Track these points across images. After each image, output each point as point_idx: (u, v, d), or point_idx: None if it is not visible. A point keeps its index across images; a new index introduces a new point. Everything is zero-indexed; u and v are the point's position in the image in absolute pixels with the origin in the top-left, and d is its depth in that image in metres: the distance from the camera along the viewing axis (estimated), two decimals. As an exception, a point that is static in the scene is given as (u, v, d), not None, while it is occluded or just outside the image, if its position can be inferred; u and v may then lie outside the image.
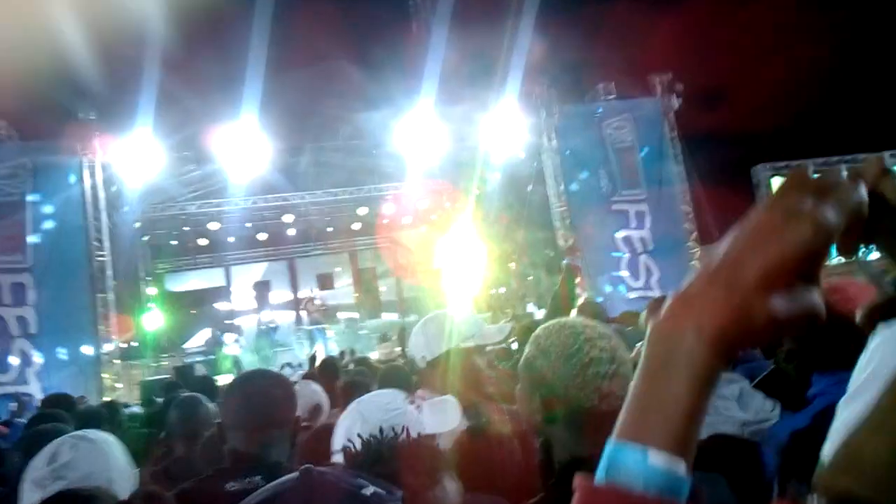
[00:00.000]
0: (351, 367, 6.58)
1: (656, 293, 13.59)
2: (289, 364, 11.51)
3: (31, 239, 11.48)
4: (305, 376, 5.57)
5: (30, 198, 11.56)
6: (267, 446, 1.61)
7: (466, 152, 15.35)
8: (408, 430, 1.38)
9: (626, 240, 13.88)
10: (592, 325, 1.34)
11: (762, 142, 17.86)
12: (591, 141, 14.21)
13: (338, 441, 1.48)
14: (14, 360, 11.03)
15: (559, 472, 1.27)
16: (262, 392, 1.66)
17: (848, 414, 0.58)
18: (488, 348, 2.21)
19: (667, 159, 14.50)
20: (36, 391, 10.90)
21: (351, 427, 1.43)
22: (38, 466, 1.50)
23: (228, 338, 15.06)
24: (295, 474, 0.89)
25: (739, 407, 1.76)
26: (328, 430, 2.38)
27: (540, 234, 15.57)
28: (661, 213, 14.11)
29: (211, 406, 2.82)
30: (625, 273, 13.72)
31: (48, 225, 11.60)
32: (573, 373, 1.27)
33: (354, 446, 1.36)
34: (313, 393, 3.19)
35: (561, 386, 1.28)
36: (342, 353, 6.67)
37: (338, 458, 1.50)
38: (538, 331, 1.38)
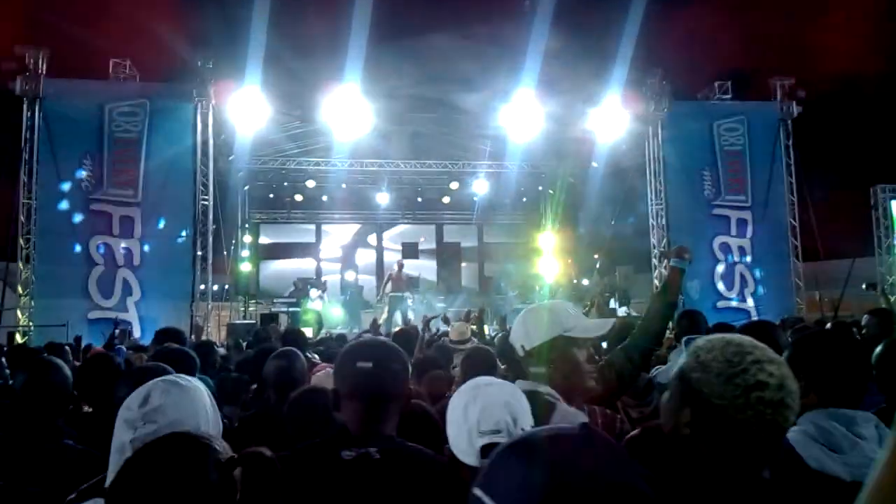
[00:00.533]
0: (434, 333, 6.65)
1: (749, 305, 13.05)
2: (372, 326, 11.73)
3: (143, 176, 12.13)
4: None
5: (145, 138, 12.18)
6: (382, 420, 1.63)
7: (568, 138, 15.09)
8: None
9: (724, 247, 13.34)
10: (762, 346, 1.27)
11: (884, 161, 16.66)
12: (700, 140, 13.66)
13: (454, 426, 1.53)
14: (117, 289, 11.76)
15: (704, 488, 1.25)
16: (383, 365, 1.67)
17: None
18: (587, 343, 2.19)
19: (778, 168, 13.79)
20: (133, 319, 11.62)
21: (471, 414, 1.48)
22: (130, 407, 1.54)
23: (313, 293, 15.51)
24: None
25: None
26: (414, 408, 2.41)
27: (632, 230, 15.19)
28: (764, 224, 13.47)
29: (304, 362, 2.90)
30: (718, 281, 13.20)
31: (160, 164, 12.21)
32: (735, 393, 1.21)
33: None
34: None
35: (718, 405, 1.23)
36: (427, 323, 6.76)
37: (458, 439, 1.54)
38: (699, 342, 1.32)
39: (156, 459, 1.27)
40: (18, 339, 11.52)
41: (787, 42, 14.93)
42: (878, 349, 3.71)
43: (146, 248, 12.02)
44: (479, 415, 1.53)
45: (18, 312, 11.81)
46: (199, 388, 1.60)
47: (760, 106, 14.15)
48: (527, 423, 1.58)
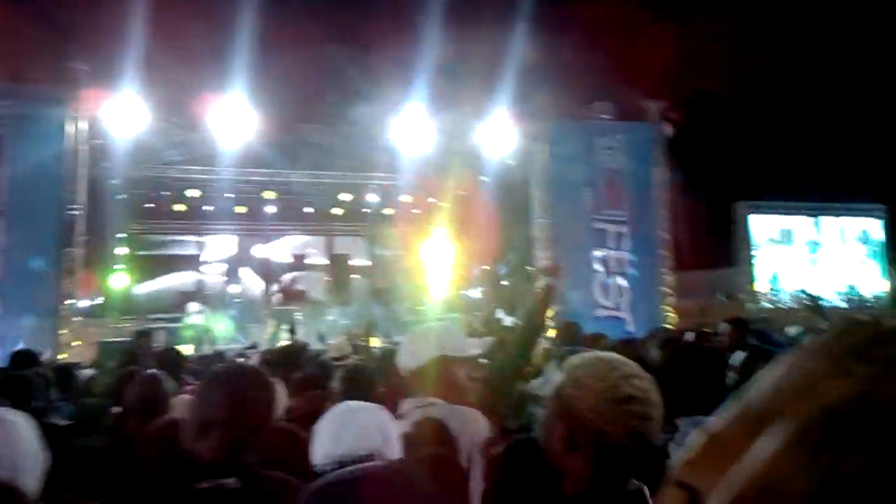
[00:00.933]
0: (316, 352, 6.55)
1: (624, 315, 13.73)
2: (254, 345, 11.42)
3: (6, 183, 11.24)
4: (265, 360, 5.53)
5: (8, 142, 11.31)
6: (241, 448, 1.59)
7: (459, 152, 15.36)
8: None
9: (603, 259, 14.00)
10: (629, 362, 1.35)
11: (746, 178, 18.09)
12: (581, 157, 14.29)
13: (319, 450, 1.56)
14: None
15: (575, 500, 1.30)
16: (247, 393, 1.63)
17: None
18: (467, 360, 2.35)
19: (653, 185, 14.64)
20: (-10, 337, 10.69)
21: (334, 441, 1.51)
22: None
23: (192, 307, 14.89)
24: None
25: None
26: (286, 432, 2.38)
27: (519, 243, 15.64)
28: (639, 237, 14.25)
29: (170, 385, 2.78)
30: (597, 291, 13.83)
31: (25, 171, 11.35)
32: (605, 407, 1.27)
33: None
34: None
35: (590, 418, 1.28)
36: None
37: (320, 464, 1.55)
38: (572, 360, 1.39)
39: None
40: None
41: (658, 66, 15.95)
42: (741, 356, 4.03)
43: (8, 260, 11.11)
44: (352, 441, 1.55)
45: None
46: (19, 423, 1.53)
47: (637, 126, 14.99)
48: (395, 447, 1.63)
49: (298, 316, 14.77)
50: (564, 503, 1.31)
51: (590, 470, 1.30)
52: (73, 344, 11.60)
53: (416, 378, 2.19)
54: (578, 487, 1.31)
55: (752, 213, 17.16)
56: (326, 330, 13.51)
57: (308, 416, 3.45)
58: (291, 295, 14.08)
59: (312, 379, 4.06)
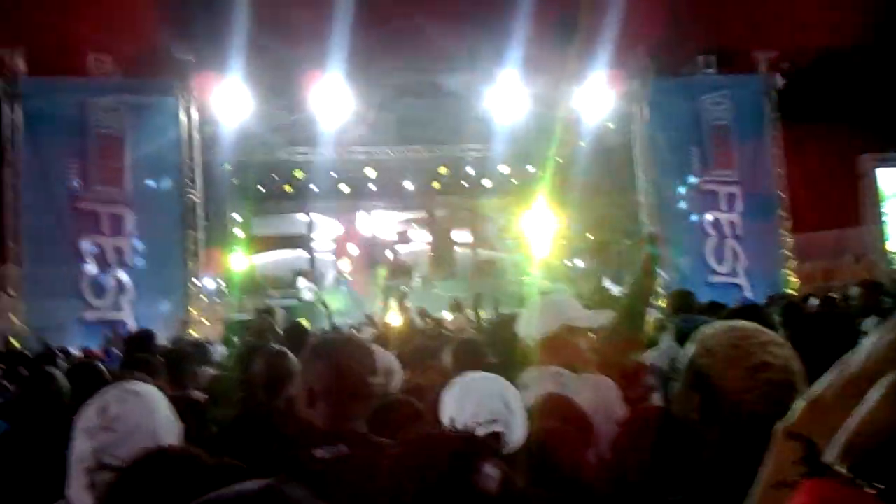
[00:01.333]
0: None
1: (741, 280, 13.12)
2: (365, 321, 11.76)
3: (129, 173, 12.05)
4: (378, 337, 5.69)
5: (129, 133, 12.08)
6: (352, 417, 1.64)
7: (555, 118, 15.07)
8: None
9: (715, 222, 13.39)
10: (765, 330, 1.31)
11: (872, 130, 16.70)
12: (686, 116, 13.66)
13: (445, 419, 1.61)
14: (110, 289, 11.71)
15: (710, 472, 1.27)
16: (350, 364, 1.67)
17: None
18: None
19: (765, 141, 13.81)
20: (129, 318, 11.59)
21: (457, 409, 1.53)
22: (89, 416, 1.57)
23: (302, 282, 15.49)
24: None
25: None
26: (400, 402, 2.44)
27: (622, 210, 15.22)
28: (753, 198, 13.51)
29: (295, 360, 2.91)
30: (710, 257, 13.26)
31: (146, 160, 12.13)
32: (739, 375, 1.23)
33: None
34: (385, 360, 3.22)
35: (725, 389, 1.25)
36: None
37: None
38: (705, 330, 1.36)
39: (146, 475, 1.28)
40: (14, 342, 11.50)
41: (770, 14, 14.86)
42: (874, 321, 3.75)
43: (137, 245, 11.96)
44: (474, 407, 1.56)
45: (11, 315, 11.76)
46: (154, 395, 1.63)
47: (745, 79, 14.14)
48: (519, 411, 1.65)
49: (405, 290, 15.08)
50: (705, 472, 1.27)
51: (729, 440, 1.26)
52: (203, 321, 12.40)
53: (540, 348, 2.21)
54: (719, 456, 1.27)
55: (881, 166, 15.87)
56: (433, 303, 13.74)
57: (421, 389, 3.53)
58: (397, 270, 14.35)
59: (426, 352, 4.12)
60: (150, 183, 12.14)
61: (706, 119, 13.67)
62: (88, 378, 2.87)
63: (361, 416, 1.67)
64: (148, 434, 1.56)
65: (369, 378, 1.70)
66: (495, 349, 4.27)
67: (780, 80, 13.85)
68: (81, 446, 1.53)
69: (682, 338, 2.97)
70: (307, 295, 15.02)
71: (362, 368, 1.68)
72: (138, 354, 3.25)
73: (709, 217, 13.39)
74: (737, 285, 13.06)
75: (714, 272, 13.22)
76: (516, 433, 1.64)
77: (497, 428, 1.57)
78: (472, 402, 1.65)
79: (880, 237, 15.48)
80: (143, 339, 4.18)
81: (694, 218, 13.37)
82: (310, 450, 1.56)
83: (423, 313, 7.83)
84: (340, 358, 1.68)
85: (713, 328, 1.34)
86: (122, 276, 11.81)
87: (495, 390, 1.69)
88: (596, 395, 2.02)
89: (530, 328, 2.30)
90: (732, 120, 13.73)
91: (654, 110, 13.52)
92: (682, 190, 13.47)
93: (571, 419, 1.83)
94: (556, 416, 1.79)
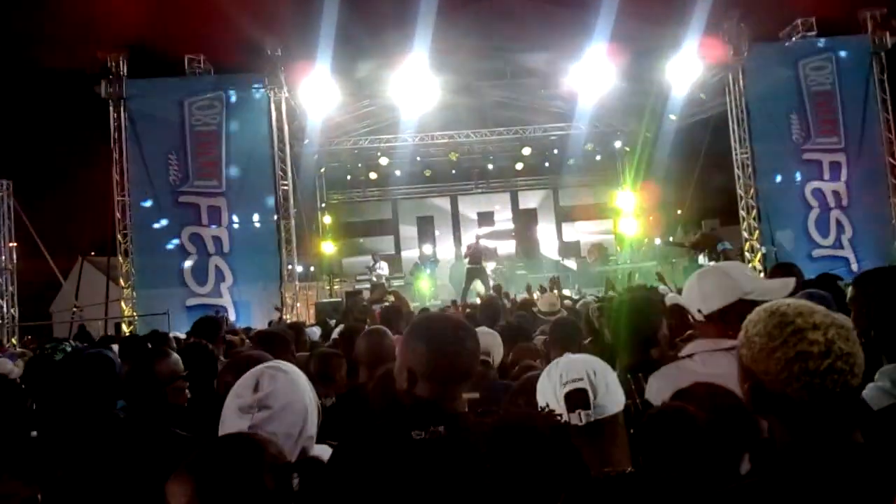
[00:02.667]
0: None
1: (847, 253, 12.37)
2: (454, 302, 11.85)
3: (225, 166, 12.58)
4: (467, 314, 5.71)
5: (224, 128, 12.59)
6: (453, 398, 1.61)
7: (642, 92, 14.61)
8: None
9: (817, 192, 12.63)
10: (808, 311, 1.21)
11: None
12: (784, 82, 12.91)
13: (542, 388, 1.63)
14: (210, 276, 12.31)
15: (775, 460, 1.22)
16: (454, 344, 1.64)
17: None
18: None
19: (872, 105, 12.89)
20: (228, 304, 12.15)
21: (554, 373, 1.58)
22: (242, 395, 1.61)
23: (383, 267, 15.73)
24: None
25: None
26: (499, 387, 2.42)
27: (716, 182, 14.61)
28: (860, 166, 12.67)
29: (391, 339, 2.95)
30: (812, 229, 12.55)
31: (240, 153, 12.62)
32: (778, 367, 1.18)
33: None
34: (487, 338, 3.20)
35: (766, 380, 1.20)
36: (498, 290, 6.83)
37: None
38: (750, 316, 1.28)
39: (212, 462, 1.31)
40: (125, 329, 12.30)
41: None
42: None
43: (234, 234, 12.50)
44: (561, 370, 1.60)
45: (122, 304, 12.58)
46: (299, 372, 1.67)
47: (849, 40, 13.21)
48: (611, 378, 1.62)
49: (490, 272, 15.07)
50: (771, 457, 1.22)
51: (783, 428, 1.20)
52: (296, 305, 12.85)
53: (711, 323, 2.05)
54: (785, 441, 1.21)
55: None
56: (517, 285, 13.68)
57: (520, 368, 3.51)
58: (483, 252, 14.34)
59: (519, 330, 4.11)
60: (245, 175, 12.61)
61: (807, 85, 12.88)
62: (201, 357, 3.02)
63: (461, 395, 1.65)
64: (299, 411, 1.61)
65: (468, 358, 1.67)
66: (588, 330, 4.20)
67: (889, 40, 12.85)
68: (237, 424, 1.56)
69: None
70: (381, 273, 15.24)
71: (462, 349, 1.65)
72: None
73: (811, 187, 12.65)
74: (842, 258, 12.31)
75: (817, 245, 12.50)
76: (604, 400, 1.57)
77: (581, 385, 1.55)
78: (559, 367, 1.65)
79: None
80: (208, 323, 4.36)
81: (795, 189, 12.66)
82: (408, 430, 1.56)
83: (498, 290, 7.79)
84: (440, 339, 1.65)
85: (756, 314, 1.26)
86: (221, 263, 12.36)
87: (581, 359, 1.66)
88: None
89: (699, 299, 2.08)
90: (836, 84, 12.88)
91: (750, 78, 12.85)
92: (781, 160, 12.77)
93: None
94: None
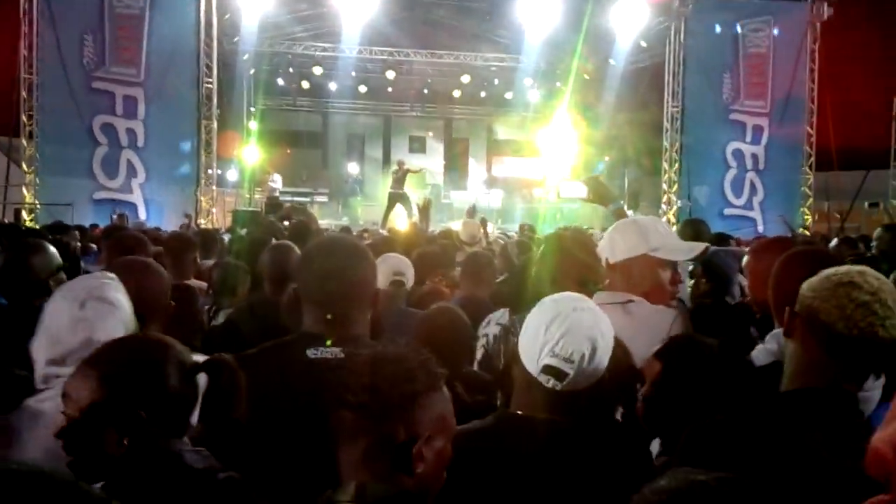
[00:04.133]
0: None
1: (755, 215, 12.97)
2: (373, 223, 11.77)
3: (146, 55, 11.80)
4: (385, 241, 5.64)
5: (148, 14, 11.75)
6: (345, 324, 1.58)
7: (586, 34, 14.50)
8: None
9: (737, 153, 13.07)
10: (874, 276, 1.26)
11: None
12: (723, 40, 13.10)
13: (531, 336, 1.44)
14: (121, 170, 11.71)
15: (787, 393, 1.29)
16: (342, 269, 1.60)
17: None
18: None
19: (801, 74, 13.28)
20: (138, 201, 11.65)
21: (552, 333, 1.40)
22: (71, 310, 1.54)
23: (277, 180, 15.38)
24: None
25: None
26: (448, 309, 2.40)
27: (645, 132, 14.87)
28: (781, 132, 13.14)
29: (298, 254, 2.88)
30: (727, 188, 13.05)
31: (163, 43, 11.85)
32: (839, 305, 1.22)
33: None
34: (398, 262, 3.17)
35: (815, 307, 1.25)
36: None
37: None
38: (812, 279, 1.32)
39: (116, 356, 1.28)
40: (25, 216, 11.62)
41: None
42: None
43: (150, 129, 11.86)
44: (559, 336, 1.40)
45: (24, 190, 11.83)
46: (123, 303, 1.59)
47: (790, 7, 13.44)
48: (605, 358, 1.43)
49: (413, 196, 14.96)
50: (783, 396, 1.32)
51: (820, 352, 1.28)
52: (212, 210, 12.45)
53: (615, 273, 2.07)
54: (795, 384, 1.30)
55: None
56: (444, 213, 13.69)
57: (433, 296, 3.52)
58: (404, 179, 14.16)
59: (435, 258, 4.06)
60: (167, 67, 11.88)
61: (744, 45, 13.11)
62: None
63: (356, 319, 1.61)
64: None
65: (360, 283, 1.62)
66: (507, 268, 4.23)
67: (827, 10, 13.14)
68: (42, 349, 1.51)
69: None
70: (275, 186, 14.97)
71: (353, 275, 1.61)
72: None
73: (732, 147, 13.07)
74: (750, 219, 12.91)
75: (730, 204, 13.04)
76: (581, 377, 1.47)
77: (567, 368, 1.41)
78: (560, 330, 1.42)
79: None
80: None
81: (717, 148, 13.05)
82: (303, 348, 1.52)
83: (424, 209, 7.64)
84: (329, 264, 1.61)
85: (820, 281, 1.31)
86: (134, 158, 11.77)
87: (588, 330, 1.43)
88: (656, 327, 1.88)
89: (610, 249, 2.09)
90: (770, 49, 13.16)
91: (691, 31, 12.97)
92: (709, 118, 13.08)
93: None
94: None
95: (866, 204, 13.24)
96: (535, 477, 1.35)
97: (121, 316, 1.59)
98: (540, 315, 1.46)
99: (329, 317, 1.58)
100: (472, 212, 6.84)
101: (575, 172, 17.80)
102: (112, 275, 1.69)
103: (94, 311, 1.54)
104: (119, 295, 1.62)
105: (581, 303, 1.48)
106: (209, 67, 12.28)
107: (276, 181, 15.26)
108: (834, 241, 5.22)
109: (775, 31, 13.14)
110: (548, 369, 1.38)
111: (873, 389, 1.52)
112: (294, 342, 1.58)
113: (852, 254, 3.70)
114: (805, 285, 1.30)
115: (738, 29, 13.07)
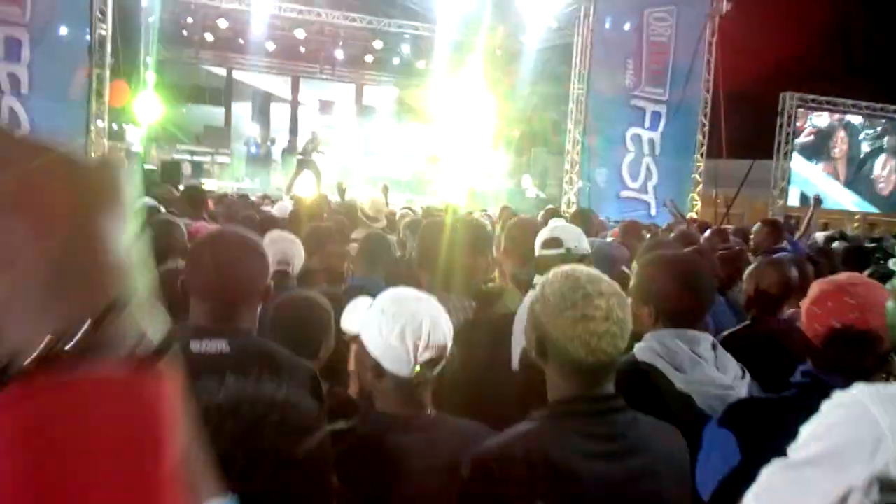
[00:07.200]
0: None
1: (649, 198, 13.57)
2: (277, 189, 11.49)
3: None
4: (291, 214, 5.52)
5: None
6: (232, 318, 1.57)
7: (501, 10, 14.59)
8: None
9: (636, 138, 13.60)
10: (597, 279, 1.38)
11: (797, 70, 17.14)
12: (629, 27, 13.50)
13: (387, 344, 1.42)
14: (2, 118, 10.84)
15: (548, 406, 1.41)
16: (231, 263, 1.58)
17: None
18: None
19: (698, 64, 13.89)
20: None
21: (408, 336, 1.41)
22: None
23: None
24: None
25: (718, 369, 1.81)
26: (299, 299, 2.32)
27: (551, 112, 15.20)
28: (677, 119, 13.75)
29: (182, 230, 2.78)
30: (625, 171, 13.57)
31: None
32: (565, 324, 1.34)
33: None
34: (287, 247, 2.98)
35: (553, 334, 1.36)
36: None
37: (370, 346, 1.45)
38: (548, 274, 1.45)
39: None
40: None
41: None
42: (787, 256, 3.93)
43: (35, 74, 11.01)
44: (426, 338, 1.43)
45: None
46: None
47: (692, -1, 13.98)
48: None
49: (322, 165, 14.69)
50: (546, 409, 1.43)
51: (558, 378, 1.40)
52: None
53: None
54: (553, 396, 1.43)
55: (801, 105, 16.42)
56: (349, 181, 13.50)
57: (328, 272, 3.50)
58: (315, 143, 13.86)
59: (328, 232, 4.02)
60: (56, 8, 11.02)
61: (647, 33, 13.57)
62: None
63: (245, 314, 1.59)
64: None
65: (252, 281, 1.61)
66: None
67: (726, 6, 13.76)
68: None
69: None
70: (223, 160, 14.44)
71: (253, 267, 1.60)
72: None
73: (632, 132, 13.59)
74: (646, 202, 13.52)
75: (626, 186, 13.58)
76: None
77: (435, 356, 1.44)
78: (421, 331, 1.42)
79: (785, 174, 16.30)
80: None
81: (618, 131, 13.53)
82: (186, 341, 1.48)
83: (341, 189, 7.68)
84: (218, 260, 1.57)
85: (554, 274, 1.43)
86: (17, 105, 10.93)
87: (440, 319, 1.46)
88: None
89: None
90: (672, 38, 13.68)
91: (601, 15, 13.30)
92: (611, 102, 13.51)
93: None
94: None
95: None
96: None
97: None
98: (384, 322, 1.45)
99: (212, 310, 1.57)
100: (385, 191, 6.83)
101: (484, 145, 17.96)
102: None
103: None
104: None
105: (415, 295, 1.52)
106: (103, 12, 11.48)
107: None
108: (707, 232, 5.55)
109: (677, 22, 13.65)
110: (425, 365, 1.44)
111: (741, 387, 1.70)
112: (180, 332, 1.55)
113: (723, 248, 3.96)
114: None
115: (644, 17, 13.50)
